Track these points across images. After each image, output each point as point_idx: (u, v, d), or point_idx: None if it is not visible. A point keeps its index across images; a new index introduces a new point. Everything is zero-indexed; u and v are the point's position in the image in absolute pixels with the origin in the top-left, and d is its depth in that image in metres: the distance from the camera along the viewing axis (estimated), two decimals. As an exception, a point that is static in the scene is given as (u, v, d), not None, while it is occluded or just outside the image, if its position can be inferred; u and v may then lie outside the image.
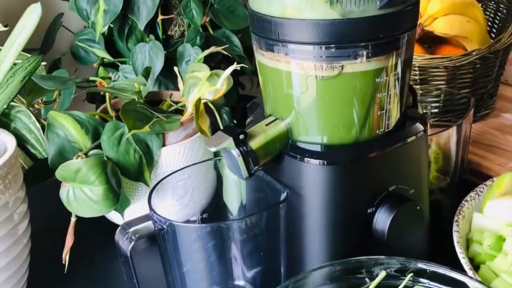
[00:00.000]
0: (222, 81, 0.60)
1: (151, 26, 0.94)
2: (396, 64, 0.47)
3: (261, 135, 0.48)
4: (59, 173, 0.53)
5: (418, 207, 0.51)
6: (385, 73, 0.47)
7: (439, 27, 0.83)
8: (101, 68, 0.98)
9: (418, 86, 0.81)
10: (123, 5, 0.88)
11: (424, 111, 0.78)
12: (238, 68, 0.60)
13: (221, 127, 0.66)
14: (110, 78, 0.95)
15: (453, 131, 0.64)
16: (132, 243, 0.46)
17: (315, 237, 0.49)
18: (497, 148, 0.79)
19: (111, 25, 0.95)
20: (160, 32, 0.95)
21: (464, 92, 0.81)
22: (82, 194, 0.54)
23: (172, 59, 0.94)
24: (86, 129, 0.59)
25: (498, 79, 0.86)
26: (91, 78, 0.65)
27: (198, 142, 0.65)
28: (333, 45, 0.44)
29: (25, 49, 0.96)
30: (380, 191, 0.49)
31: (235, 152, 0.46)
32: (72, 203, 0.54)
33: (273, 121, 0.50)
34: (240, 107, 1.03)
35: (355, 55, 0.45)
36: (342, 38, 0.44)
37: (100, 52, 0.95)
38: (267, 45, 0.47)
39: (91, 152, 0.59)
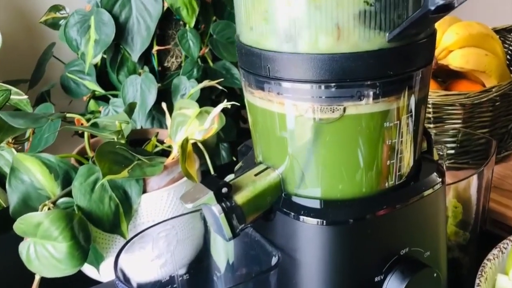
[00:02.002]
0: (211, 121, 0.53)
1: (146, 57, 0.89)
2: (408, 105, 0.40)
3: (249, 187, 0.41)
4: (18, 226, 0.46)
5: (435, 274, 0.43)
6: (395, 117, 0.39)
7: (455, 61, 0.77)
8: (92, 102, 0.92)
9: (432, 125, 0.74)
10: (115, 35, 0.82)
11: (439, 152, 0.70)
12: (229, 106, 0.53)
13: (212, 171, 0.59)
14: (100, 112, 0.89)
15: (473, 179, 0.57)
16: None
17: (312, 310, 0.41)
18: (520, 195, 0.71)
19: (104, 56, 0.89)
20: (155, 64, 0.90)
21: (483, 132, 0.74)
22: (44, 251, 0.47)
23: (167, 92, 0.88)
24: (55, 174, 0.52)
25: (520, 118, 0.78)
26: (69, 115, 0.59)
27: (184, 187, 0.58)
28: (333, 84, 0.37)
29: (14, 80, 0.91)
30: (390, 255, 0.42)
31: (216, 208, 0.39)
32: (33, 261, 0.47)
33: (264, 170, 0.42)
34: (241, 142, 0.97)
35: (359, 96, 0.38)
36: (344, 75, 0.37)
37: (91, 85, 0.90)
38: (256, 83, 0.40)
39: (60, 200, 0.52)
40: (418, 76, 0.39)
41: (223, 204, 0.39)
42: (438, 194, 0.45)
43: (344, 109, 0.38)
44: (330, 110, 0.38)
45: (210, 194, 0.39)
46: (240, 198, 0.40)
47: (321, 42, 0.36)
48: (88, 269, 0.58)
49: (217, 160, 0.94)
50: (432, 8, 0.33)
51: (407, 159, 0.42)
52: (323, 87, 0.37)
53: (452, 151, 0.74)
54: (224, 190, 0.39)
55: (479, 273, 0.52)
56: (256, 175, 0.42)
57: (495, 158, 0.62)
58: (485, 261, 0.54)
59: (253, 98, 0.41)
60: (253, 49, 0.39)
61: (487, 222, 0.66)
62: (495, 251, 0.55)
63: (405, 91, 0.39)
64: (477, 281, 0.51)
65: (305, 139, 0.40)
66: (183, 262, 0.54)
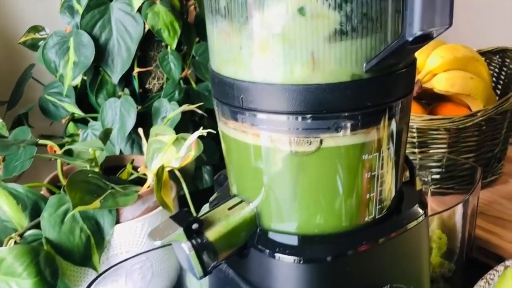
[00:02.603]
0: (187, 148, 0.51)
1: (127, 79, 0.87)
2: (388, 136, 0.38)
3: (222, 222, 0.39)
4: (-20, 262, 0.44)
5: (418, 313, 0.41)
6: (374, 148, 0.38)
7: (440, 84, 0.75)
8: (71, 124, 0.90)
9: (416, 150, 0.72)
10: (95, 57, 0.80)
11: (424, 179, 0.69)
12: (205, 134, 0.51)
13: (188, 199, 0.57)
14: (79, 135, 0.87)
15: (458, 208, 0.55)
16: None
17: None
18: (507, 221, 0.70)
19: (85, 78, 0.87)
20: (136, 86, 0.88)
21: (469, 157, 0.72)
22: None
23: (148, 115, 0.86)
24: (23, 205, 0.50)
25: (506, 142, 0.77)
26: (41, 142, 0.57)
27: (160, 217, 0.56)
28: (309, 115, 0.35)
29: (-8, 102, 0.89)
30: (370, 293, 0.40)
31: (186, 246, 0.37)
32: (-4, 298, 0.45)
33: (238, 203, 0.40)
34: (224, 166, 0.95)
35: (336, 127, 0.36)
36: (320, 107, 0.35)
37: (70, 107, 0.88)
38: (230, 113, 0.38)
39: (28, 233, 0.49)
40: (398, 106, 0.38)
41: (193, 241, 0.37)
42: (421, 226, 0.43)
43: (321, 141, 0.36)
44: (307, 142, 0.36)
45: (180, 230, 0.37)
46: (212, 234, 0.38)
47: (296, 72, 0.34)
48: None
49: (199, 184, 0.92)
50: (410, 39, 0.31)
51: (388, 191, 0.41)
52: (299, 118, 0.36)
53: (438, 176, 0.72)
54: (195, 226, 0.37)
55: (465, 306, 0.50)
56: (229, 209, 0.40)
57: (480, 185, 0.60)
58: (471, 293, 0.52)
59: (227, 128, 0.39)
60: (226, 79, 0.37)
61: (473, 250, 0.65)
62: (481, 283, 0.53)
63: (385, 122, 0.37)
64: (463, 315, 0.49)
65: (281, 172, 0.38)
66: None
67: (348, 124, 0.36)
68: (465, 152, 0.72)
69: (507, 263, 0.56)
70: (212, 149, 0.89)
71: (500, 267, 0.55)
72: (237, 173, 0.41)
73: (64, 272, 0.50)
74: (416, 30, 0.31)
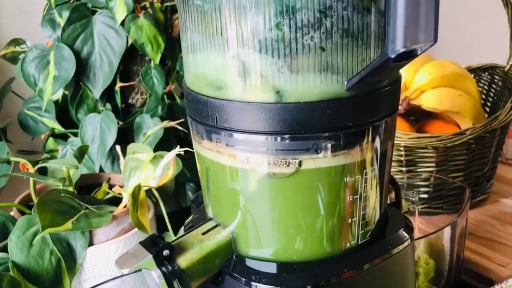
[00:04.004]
0: (163, 168, 0.49)
1: (109, 94, 0.85)
2: (371, 158, 0.36)
3: (195, 248, 0.37)
4: None
5: None
6: (356, 170, 0.36)
7: (428, 102, 0.74)
8: (51, 140, 0.88)
9: (404, 168, 0.71)
10: (76, 71, 0.78)
11: (411, 198, 0.67)
12: (182, 153, 0.49)
13: (166, 220, 0.54)
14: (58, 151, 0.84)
15: (446, 230, 0.53)
16: None
17: None
18: (496, 242, 0.68)
19: (66, 92, 0.85)
20: (118, 101, 0.86)
21: (458, 176, 0.71)
22: (-31, 316, 0.42)
23: (130, 131, 0.84)
24: (-10, 226, 0.48)
25: (495, 161, 0.75)
26: (13, 159, 0.54)
27: (135, 239, 0.53)
28: (287, 136, 0.33)
29: (-31, 117, 0.86)
30: (352, 324, 0.37)
31: (155, 273, 0.35)
32: (-44, 327, 0.42)
33: (213, 228, 0.38)
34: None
35: (316, 148, 0.34)
36: (298, 126, 0.33)
37: (50, 122, 0.85)
38: (204, 132, 0.36)
39: (-6, 255, 0.47)
40: (382, 126, 0.36)
41: (163, 268, 0.35)
42: (407, 251, 0.41)
43: (300, 163, 0.34)
44: (285, 164, 0.34)
45: (149, 257, 0.35)
46: (184, 261, 0.36)
47: (273, 90, 0.32)
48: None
49: (182, 202, 0.89)
50: (393, 56, 0.29)
51: (372, 214, 0.39)
52: (277, 139, 0.34)
53: (425, 195, 0.71)
54: (166, 252, 0.35)
55: (453, 334, 0.48)
56: (204, 233, 0.38)
57: (469, 205, 0.59)
58: (459, 320, 0.50)
59: (202, 148, 0.37)
60: (199, 96, 0.35)
61: (462, 272, 0.63)
62: (470, 309, 0.51)
63: (368, 143, 0.36)
64: None
65: (258, 195, 0.36)
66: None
67: (329, 145, 0.34)
68: (454, 171, 0.70)
69: (496, 287, 0.54)
70: (196, 166, 0.87)
71: (489, 292, 0.53)
72: (212, 195, 0.39)
73: (32, 298, 0.48)
74: (399, 47, 0.29)
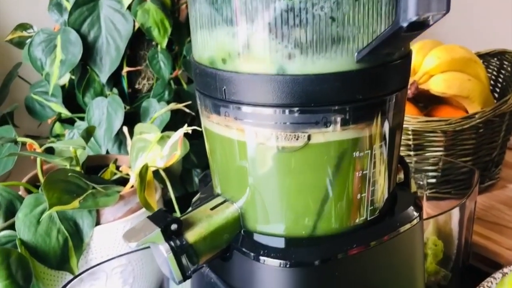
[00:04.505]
0: (172, 146, 0.49)
1: (115, 79, 0.84)
2: (380, 133, 0.36)
3: (203, 223, 0.36)
4: None
5: (412, 321, 0.38)
6: (366, 145, 0.35)
7: (436, 86, 0.73)
8: (58, 124, 0.88)
9: (412, 153, 0.70)
10: (83, 55, 0.78)
11: (419, 182, 0.66)
12: (190, 131, 0.48)
13: (174, 201, 0.54)
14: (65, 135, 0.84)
15: (454, 212, 0.53)
16: None
17: None
18: (504, 227, 0.67)
19: (73, 77, 0.85)
20: (125, 85, 0.85)
21: (466, 161, 0.70)
22: (-24, 291, 0.42)
23: (136, 115, 0.84)
24: (-3, 204, 0.48)
25: (504, 146, 0.75)
26: (19, 139, 0.54)
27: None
28: (296, 109, 0.33)
29: (-24, 103, 0.86)
30: (360, 300, 0.37)
31: (163, 248, 0.34)
32: (-36, 302, 0.42)
33: (221, 203, 0.38)
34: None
35: (325, 122, 0.33)
36: (307, 99, 0.33)
37: (57, 106, 0.85)
38: (212, 107, 0.36)
39: (1, 233, 0.47)
40: (392, 100, 0.35)
41: (171, 242, 0.35)
42: (415, 230, 0.41)
43: (309, 137, 0.34)
44: (294, 138, 0.34)
45: (157, 231, 0.34)
46: (192, 235, 0.36)
47: (282, 62, 0.32)
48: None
49: (189, 187, 0.89)
50: (405, 25, 0.29)
51: (381, 191, 0.38)
52: (286, 112, 0.33)
53: (433, 180, 0.70)
54: (174, 226, 0.35)
55: (462, 315, 0.48)
56: (212, 209, 0.37)
57: (478, 189, 0.58)
58: (467, 301, 0.50)
59: (210, 123, 0.37)
60: (208, 69, 0.35)
61: (470, 257, 0.62)
62: (478, 291, 0.51)
63: (377, 117, 0.35)
64: (459, 324, 0.47)
65: (266, 170, 0.36)
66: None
67: (338, 119, 0.34)
68: (462, 155, 0.70)
69: (505, 270, 0.54)
70: (203, 151, 0.87)
71: (498, 274, 0.53)
72: (220, 171, 0.39)
73: (39, 276, 0.48)
74: (411, 15, 0.29)
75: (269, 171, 0.36)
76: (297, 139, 0.34)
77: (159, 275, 0.50)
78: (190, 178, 0.91)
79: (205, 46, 0.34)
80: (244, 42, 0.32)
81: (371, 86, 0.34)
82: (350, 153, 0.35)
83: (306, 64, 0.32)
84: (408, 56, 0.36)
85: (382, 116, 0.35)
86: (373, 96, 0.34)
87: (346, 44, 0.32)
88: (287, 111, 0.33)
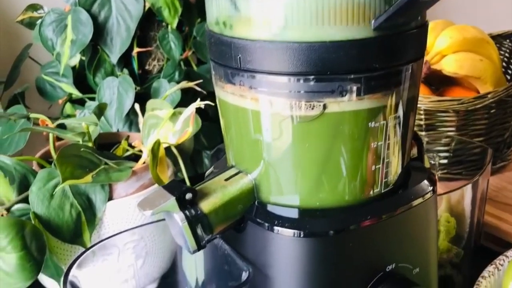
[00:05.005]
0: (184, 122, 0.49)
1: (126, 60, 0.84)
2: (396, 104, 0.36)
3: (217, 193, 0.36)
4: (-38, 234, 0.41)
5: (425, 293, 0.38)
6: (381, 116, 0.35)
7: (448, 66, 0.73)
8: (68, 105, 0.88)
9: (423, 133, 0.70)
10: (94, 35, 0.78)
11: (431, 161, 0.66)
12: (202, 106, 0.48)
13: (186, 179, 0.54)
14: (75, 116, 0.84)
15: (467, 189, 0.53)
16: None
17: (287, 333, 0.36)
18: (517, 208, 0.67)
19: (83, 58, 0.85)
20: (135, 66, 0.85)
21: (478, 141, 0.70)
22: (-9, 262, 0.42)
23: (147, 96, 0.84)
24: (11, 178, 0.48)
25: (516, 127, 0.74)
26: (32, 115, 0.54)
27: (155, 195, 0.53)
28: (312, 77, 0.33)
29: (-13, 82, 0.87)
30: (374, 272, 0.37)
31: (178, 217, 0.34)
32: (-21, 273, 0.42)
33: (235, 174, 0.38)
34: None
35: (341, 91, 0.33)
36: (323, 67, 0.32)
37: (67, 87, 0.85)
38: (227, 76, 0.36)
39: (16, 207, 0.47)
40: (408, 71, 0.35)
41: (186, 212, 0.35)
42: (429, 204, 0.41)
43: (325, 106, 0.34)
44: (309, 107, 0.34)
45: (172, 200, 0.34)
46: (206, 205, 0.36)
47: (298, 29, 0.32)
48: (50, 284, 0.53)
49: (199, 169, 0.89)
50: (423, -11, 0.29)
51: (395, 164, 0.38)
52: (301, 80, 0.33)
53: (445, 161, 0.70)
54: (189, 196, 0.35)
55: (474, 291, 0.48)
56: (226, 180, 0.37)
57: (490, 167, 0.58)
58: (479, 278, 0.49)
59: (224, 93, 0.37)
60: (222, 37, 0.35)
61: (481, 237, 0.62)
62: (490, 268, 0.51)
63: (393, 88, 0.35)
64: (471, 300, 0.46)
65: (281, 140, 0.36)
66: (151, 276, 0.50)
67: (354, 88, 0.33)
68: (474, 136, 0.69)
69: (517, 248, 0.54)
70: (213, 133, 0.87)
71: (510, 253, 0.53)
72: (235, 142, 0.39)
73: (52, 249, 0.48)
74: (429, -20, 0.28)
75: (284, 142, 0.35)
76: (312, 108, 0.34)
77: (171, 250, 0.51)
78: (201, 160, 0.91)
79: (220, 12, 0.34)
80: (259, 9, 0.32)
81: (387, 54, 0.33)
82: (366, 123, 0.35)
83: (322, 31, 0.32)
84: (424, 26, 0.36)
85: (398, 87, 0.35)
86: (389, 65, 0.34)
87: (363, 11, 0.31)
88: (302, 79, 0.33)
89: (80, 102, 0.87)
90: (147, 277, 0.47)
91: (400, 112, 0.37)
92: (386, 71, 0.34)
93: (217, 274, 0.44)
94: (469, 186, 0.52)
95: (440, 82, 0.78)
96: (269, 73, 0.33)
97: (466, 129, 0.69)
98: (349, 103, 0.34)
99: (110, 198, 0.51)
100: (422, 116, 0.68)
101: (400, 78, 0.35)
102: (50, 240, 0.47)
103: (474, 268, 0.52)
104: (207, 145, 0.87)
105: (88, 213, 0.49)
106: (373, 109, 0.35)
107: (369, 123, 0.35)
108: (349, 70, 0.33)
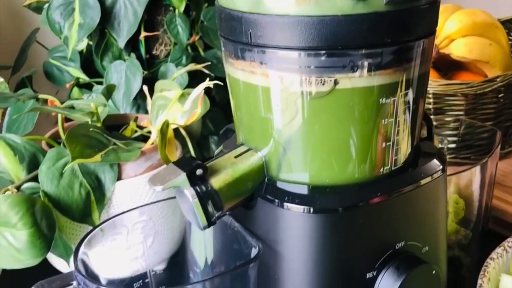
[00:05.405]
0: (192, 103, 0.49)
1: (133, 44, 0.84)
2: (407, 81, 0.36)
3: (228, 170, 0.36)
4: (-27, 211, 0.42)
5: (434, 271, 0.38)
6: (392, 93, 0.35)
7: (457, 50, 0.72)
8: (76, 89, 0.88)
9: (432, 117, 0.70)
10: (101, 20, 0.77)
11: (440, 145, 0.66)
12: (211, 86, 0.48)
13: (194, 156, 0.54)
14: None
15: (476, 171, 0.52)
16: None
17: (296, 308, 0.37)
18: (524, 192, 0.67)
19: (90, 42, 0.85)
20: (142, 51, 0.85)
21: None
22: (2, 239, 0.42)
23: (154, 80, 0.83)
24: (20, 157, 0.48)
25: (525, 111, 0.74)
26: (41, 96, 0.54)
27: (163, 176, 0.53)
28: (323, 52, 0.33)
29: (-5, 67, 0.87)
30: (383, 249, 0.37)
31: (189, 192, 0.34)
32: (-10, 251, 0.43)
33: (245, 152, 0.38)
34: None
35: (352, 66, 0.33)
36: (335, 42, 0.32)
37: (75, 71, 0.85)
38: (237, 52, 0.36)
39: (25, 185, 0.47)
40: (419, 47, 0.35)
41: (197, 187, 0.35)
42: (438, 183, 0.40)
43: (335, 82, 0.34)
44: (320, 82, 0.34)
45: (183, 176, 0.34)
46: (217, 182, 0.36)
47: (310, 2, 0.32)
48: (59, 263, 0.54)
49: (206, 154, 0.89)
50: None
51: (405, 142, 0.38)
52: (311, 55, 0.33)
53: (453, 145, 0.70)
54: (199, 172, 0.35)
55: (482, 272, 0.47)
56: (236, 157, 0.37)
57: (499, 150, 0.58)
58: (488, 260, 0.49)
59: (234, 70, 0.37)
60: (233, 12, 0.34)
61: (489, 221, 0.62)
62: (499, 250, 0.51)
63: (404, 64, 0.35)
64: (479, 281, 0.46)
65: (291, 117, 0.35)
66: (160, 256, 0.50)
67: (365, 63, 0.33)
68: (483, 120, 0.69)
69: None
70: (220, 119, 0.87)
71: (518, 235, 0.53)
72: (244, 120, 0.39)
73: (62, 229, 0.48)
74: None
75: (294, 119, 0.35)
76: (323, 84, 0.34)
77: (180, 230, 0.51)
78: (207, 145, 0.91)
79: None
80: (271, -17, 0.32)
81: (399, 29, 0.33)
82: (376, 100, 0.35)
83: (334, 5, 0.31)
84: (435, 2, 0.36)
85: (409, 63, 0.35)
86: (400, 40, 0.34)
87: (375, -15, 0.31)
88: (313, 54, 0.33)
89: (88, 87, 0.87)
90: (157, 256, 0.47)
91: (411, 89, 0.36)
92: (397, 47, 0.34)
93: (226, 254, 0.44)
94: (478, 168, 0.52)
95: (448, 67, 0.78)
96: (280, 48, 0.33)
97: (475, 113, 0.68)
98: (360, 79, 0.34)
99: (119, 178, 0.51)
100: (431, 100, 0.68)
101: (412, 54, 0.35)
102: (59, 219, 0.48)
103: (482, 252, 0.52)
104: (214, 130, 0.87)
105: (97, 192, 0.49)
106: (384, 85, 0.35)
107: (380, 100, 0.35)
108: (360, 44, 0.33)
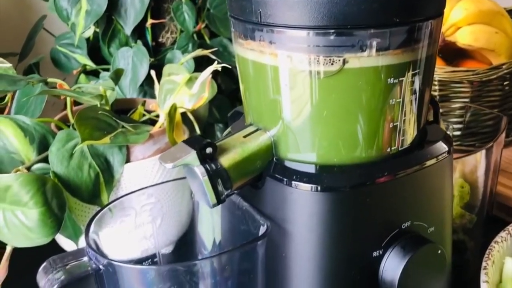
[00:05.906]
0: (200, 86, 0.49)
1: (139, 31, 0.85)
2: (415, 61, 0.36)
3: (237, 149, 0.37)
4: (-16, 190, 0.42)
5: (439, 251, 0.39)
6: (400, 73, 0.36)
7: (463, 38, 0.72)
8: (82, 76, 0.88)
9: (437, 104, 0.70)
10: (108, 6, 0.78)
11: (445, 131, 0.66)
12: (219, 69, 0.49)
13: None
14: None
15: (481, 155, 0.53)
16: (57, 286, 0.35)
17: (304, 286, 0.37)
18: (529, 179, 0.67)
19: (97, 30, 0.85)
20: (149, 38, 0.85)
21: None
22: (13, 218, 0.43)
23: (160, 67, 0.84)
24: (31, 138, 0.48)
25: (530, 99, 0.74)
26: (50, 80, 0.55)
27: (171, 159, 0.54)
28: (332, 31, 0.33)
29: (3, 54, 0.87)
30: (390, 228, 0.38)
31: (199, 170, 0.35)
32: (1, 229, 0.43)
33: (254, 132, 0.38)
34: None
35: (361, 46, 0.34)
36: (344, 21, 0.33)
37: (82, 58, 0.86)
38: (247, 31, 0.36)
39: (35, 166, 0.48)
40: (427, 28, 0.35)
41: (207, 165, 0.35)
42: (444, 164, 0.41)
43: (344, 61, 0.34)
44: (329, 62, 0.34)
45: (193, 153, 0.35)
46: (226, 160, 0.36)
47: (319, -19, 0.32)
48: (68, 244, 0.54)
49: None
50: None
51: (412, 123, 0.39)
52: (320, 34, 0.33)
53: (458, 132, 0.70)
54: (209, 150, 0.35)
55: (486, 256, 0.48)
56: (245, 136, 0.38)
57: (505, 135, 0.58)
58: (492, 243, 0.50)
59: (243, 50, 0.37)
60: (243, -8, 0.35)
61: (493, 207, 0.62)
62: (503, 234, 0.51)
63: (413, 44, 0.35)
64: (483, 264, 0.47)
65: (300, 96, 0.36)
66: (168, 238, 0.51)
67: (374, 43, 0.34)
68: (488, 107, 0.69)
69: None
70: (226, 107, 0.87)
71: (523, 220, 0.53)
72: (253, 100, 0.39)
73: (71, 209, 0.49)
74: None
75: (303, 99, 0.36)
76: (332, 64, 0.34)
77: (188, 212, 0.51)
78: (213, 132, 0.92)
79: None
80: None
81: (408, 9, 0.34)
82: (385, 79, 0.35)
83: (344, -16, 0.32)
84: (444, -17, 0.36)
85: (417, 44, 0.35)
86: (409, 20, 0.34)
87: (384, -36, 0.32)
88: (322, 33, 0.33)
89: (94, 74, 0.87)
90: (165, 236, 0.48)
91: (418, 70, 0.37)
92: (406, 27, 0.34)
93: (234, 236, 0.44)
94: (483, 153, 0.52)
95: (454, 55, 0.78)
96: (289, 27, 0.34)
97: (480, 100, 0.69)
98: (368, 58, 0.34)
99: (128, 160, 0.51)
100: (437, 87, 0.68)
101: (420, 35, 0.35)
102: (69, 200, 0.48)
103: (486, 236, 0.53)
104: (220, 118, 0.87)
105: (106, 174, 0.49)
106: (392, 65, 0.35)
107: (388, 80, 0.35)
108: (369, 24, 0.33)
